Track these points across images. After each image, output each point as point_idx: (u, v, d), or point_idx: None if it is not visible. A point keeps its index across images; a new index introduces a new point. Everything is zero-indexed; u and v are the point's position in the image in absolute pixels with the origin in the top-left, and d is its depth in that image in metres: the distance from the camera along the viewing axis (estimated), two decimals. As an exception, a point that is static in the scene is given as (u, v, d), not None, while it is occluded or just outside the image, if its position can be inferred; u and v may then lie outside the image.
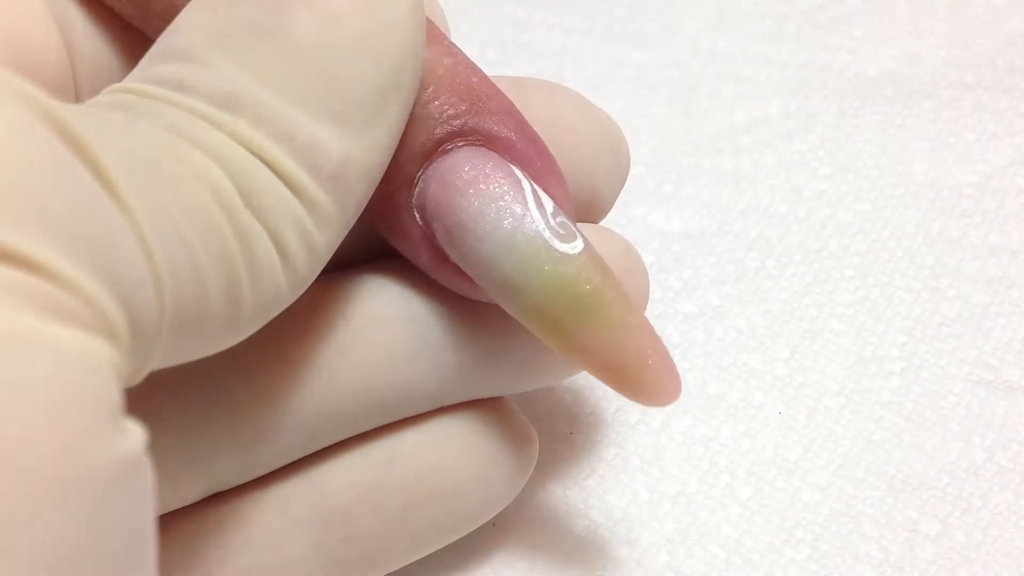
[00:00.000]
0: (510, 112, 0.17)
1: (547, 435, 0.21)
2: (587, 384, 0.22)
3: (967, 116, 0.27)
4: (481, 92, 0.16)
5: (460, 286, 0.17)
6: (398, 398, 0.17)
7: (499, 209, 0.16)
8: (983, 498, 0.21)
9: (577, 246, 0.16)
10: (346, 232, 0.15)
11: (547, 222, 0.16)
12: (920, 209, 0.25)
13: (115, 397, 0.10)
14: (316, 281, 0.18)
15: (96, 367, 0.10)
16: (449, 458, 0.18)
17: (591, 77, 0.28)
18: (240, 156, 0.13)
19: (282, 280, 0.14)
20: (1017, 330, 0.23)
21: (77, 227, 0.10)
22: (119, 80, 0.17)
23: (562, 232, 0.16)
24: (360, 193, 0.15)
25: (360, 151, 0.14)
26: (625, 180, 0.19)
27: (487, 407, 0.18)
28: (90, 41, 0.17)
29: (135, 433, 0.11)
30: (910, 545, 0.20)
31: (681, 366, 0.22)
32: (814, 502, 0.21)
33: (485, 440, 0.18)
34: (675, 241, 0.25)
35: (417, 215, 0.16)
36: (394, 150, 0.15)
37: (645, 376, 0.16)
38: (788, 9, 0.29)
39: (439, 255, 0.17)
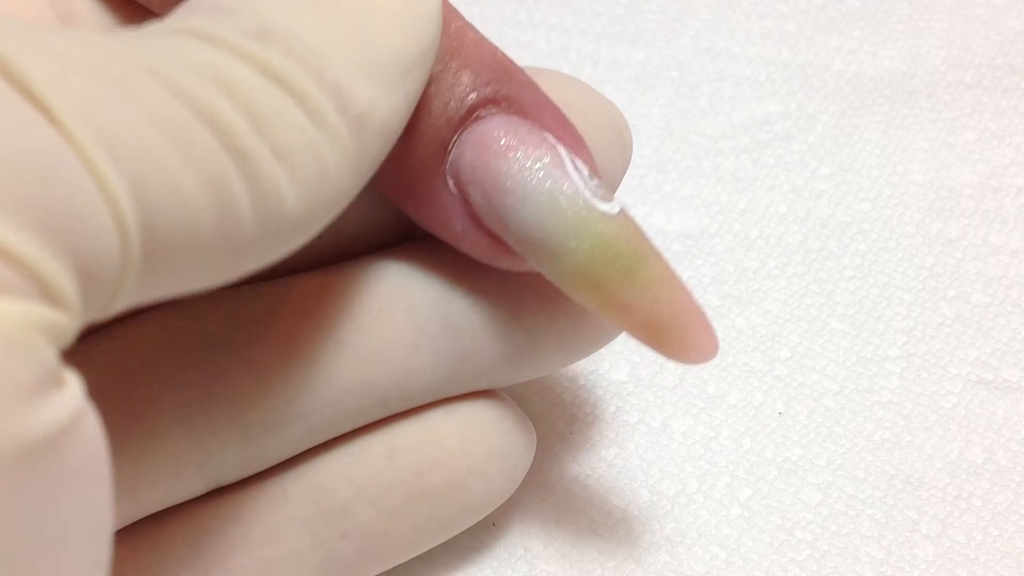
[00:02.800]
0: (535, 85, 0.17)
1: (546, 435, 0.21)
2: (586, 384, 0.22)
3: (967, 116, 0.27)
4: (507, 64, 0.17)
5: (493, 254, 0.17)
6: (397, 390, 0.17)
7: (540, 170, 0.16)
8: (983, 498, 0.21)
9: (615, 206, 0.16)
10: (364, 182, 0.15)
11: (586, 183, 0.16)
12: (920, 209, 0.25)
13: (43, 363, 0.10)
14: (317, 272, 0.17)
15: (13, 338, 0.09)
16: (447, 453, 0.18)
17: (591, 77, 0.28)
18: (257, 79, 0.13)
19: (289, 204, 0.13)
20: (1017, 330, 0.23)
21: None
22: None
23: (600, 193, 0.16)
24: (376, 149, 0.14)
25: (383, 108, 0.14)
26: (628, 165, 0.19)
27: (485, 400, 0.18)
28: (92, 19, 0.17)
29: (70, 395, 0.10)
30: (910, 545, 0.20)
31: (680, 367, 0.22)
32: (814, 502, 0.21)
33: (483, 434, 0.18)
34: (675, 241, 0.25)
35: (451, 181, 0.16)
36: (404, 124, 0.15)
37: (685, 332, 0.16)
38: (788, 9, 0.29)
39: (474, 222, 0.17)
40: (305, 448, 0.17)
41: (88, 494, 0.10)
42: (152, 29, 0.13)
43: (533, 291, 0.17)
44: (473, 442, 0.18)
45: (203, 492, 0.17)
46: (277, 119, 0.13)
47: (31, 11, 0.16)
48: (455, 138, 0.16)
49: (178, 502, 0.17)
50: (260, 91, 0.13)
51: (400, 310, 0.17)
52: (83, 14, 0.17)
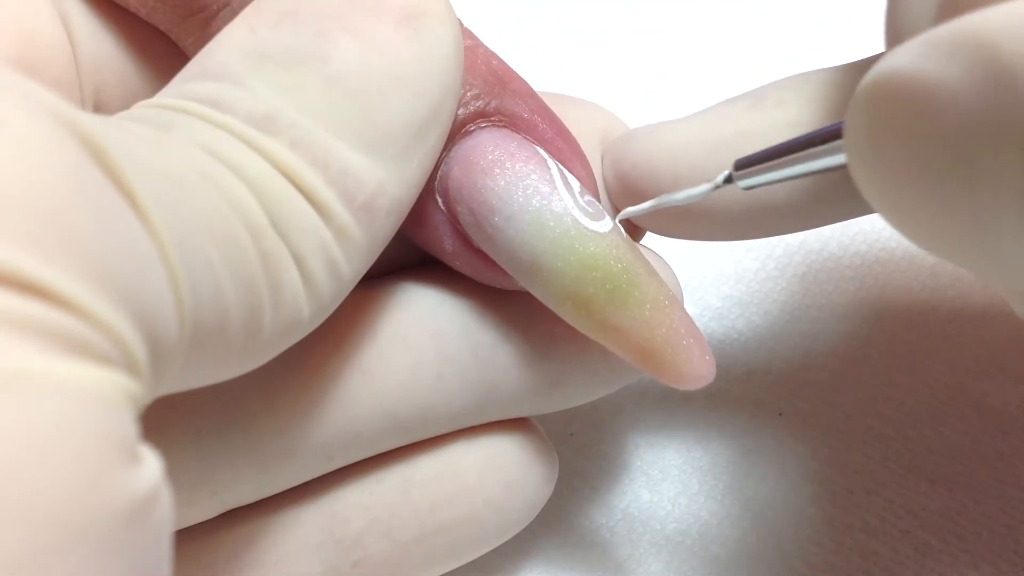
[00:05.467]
0: (531, 94, 0.17)
1: (548, 436, 0.21)
2: (588, 384, 0.22)
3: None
4: (502, 73, 0.16)
5: (484, 273, 0.16)
6: (419, 419, 0.17)
7: (527, 188, 0.16)
8: (993, 488, 0.21)
9: (606, 224, 0.16)
10: (371, 263, 0.14)
11: (575, 200, 0.16)
12: (920, 209, 0.25)
13: (131, 431, 0.10)
14: None
15: (112, 403, 0.10)
16: (464, 487, 0.17)
17: (592, 78, 0.28)
18: (273, 179, 0.13)
19: (304, 308, 0.13)
20: (1016, 330, 0.23)
21: (103, 254, 0.10)
22: (120, 76, 0.17)
23: (591, 211, 0.16)
24: (389, 226, 0.14)
25: (393, 183, 0.14)
26: None
27: (508, 429, 0.18)
28: (90, 37, 0.17)
29: (151, 463, 0.10)
30: (915, 541, 0.20)
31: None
32: (817, 500, 0.21)
33: (502, 467, 0.18)
34: (675, 242, 0.25)
35: (439, 199, 0.16)
36: (423, 184, 0.15)
37: (678, 357, 0.16)
38: (788, 10, 0.29)
39: (463, 241, 0.16)
40: (321, 474, 0.17)
41: (167, 546, 0.11)
42: (160, 103, 0.13)
43: (563, 323, 0.16)
44: (491, 475, 0.17)
45: (216, 515, 0.17)
46: (293, 221, 0.13)
47: (36, 4, 0.16)
48: (444, 154, 0.16)
49: (190, 524, 0.17)
50: (277, 191, 0.13)
51: (427, 337, 0.17)
52: (78, 15, 0.16)
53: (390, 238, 0.15)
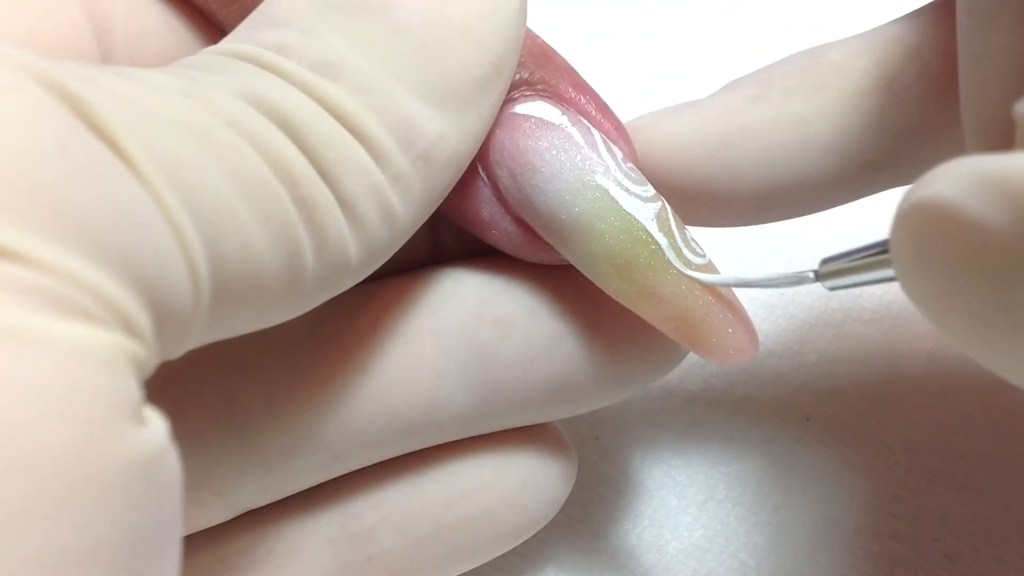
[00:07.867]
0: (573, 70, 0.17)
1: (573, 440, 0.21)
2: (613, 389, 0.22)
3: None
4: (547, 49, 0.16)
5: (520, 244, 0.16)
6: (424, 418, 0.16)
7: (569, 148, 0.16)
8: (1014, 497, 0.20)
9: (649, 189, 0.16)
10: (429, 213, 0.14)
11: (618, 165, 0.16)
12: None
13: (132, 390, 0.10)
14: (340, 294, 0.17)
15: (107, 362, 0.10)
16: (479, 482, 0.17)
17: (592, 78, 0.28)
18: (325, 123, 0.13)
19: (352, 252, 0.13)
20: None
21: (87, 214, 0.10)
22: (157, 52, 0.17)
23: (633, 176, 0.16)
24: (447, 178, 0.14)
25: (453, 135, 0.14)
26: None
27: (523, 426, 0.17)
28: (128, 16, 0.16)
29: (157, 424, 0.10)
30: (945, 548, 0.20)
31: (706, 371, 0.22)
32: (845, 506, 0.20)
33: (518, 462, 0.17)
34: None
35: (479, 165, 0.16)
36: (483, 139, 0.15)
37: (718, 327, 0.15)
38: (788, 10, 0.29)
39: (502, 206, 0.16)
40: (333, 475, 0.17)
41: (176, 509, 0.11)
42: (225, 49, 0.13)
43: (569, 321, 0.16)
44: (507, 471, 0.17)
45: (227, 519, 0.16)
46: (342, 166, 0.13)
47: (62, 15, 0.16)
48: None
49: (202, 528, 0.16)
50: (327, 136, 0.13)
51: (427, 334, 0.16)
52: (120, 16, 0.16)
53: (449, 190, 0.15)
